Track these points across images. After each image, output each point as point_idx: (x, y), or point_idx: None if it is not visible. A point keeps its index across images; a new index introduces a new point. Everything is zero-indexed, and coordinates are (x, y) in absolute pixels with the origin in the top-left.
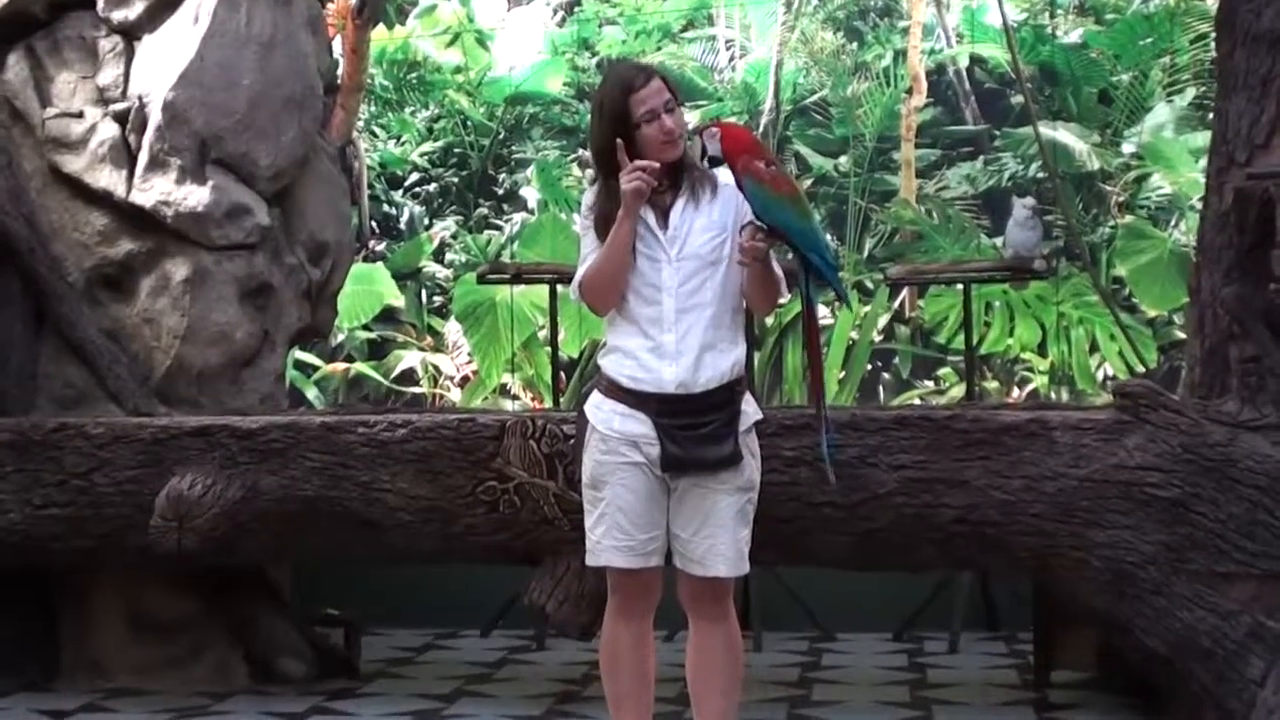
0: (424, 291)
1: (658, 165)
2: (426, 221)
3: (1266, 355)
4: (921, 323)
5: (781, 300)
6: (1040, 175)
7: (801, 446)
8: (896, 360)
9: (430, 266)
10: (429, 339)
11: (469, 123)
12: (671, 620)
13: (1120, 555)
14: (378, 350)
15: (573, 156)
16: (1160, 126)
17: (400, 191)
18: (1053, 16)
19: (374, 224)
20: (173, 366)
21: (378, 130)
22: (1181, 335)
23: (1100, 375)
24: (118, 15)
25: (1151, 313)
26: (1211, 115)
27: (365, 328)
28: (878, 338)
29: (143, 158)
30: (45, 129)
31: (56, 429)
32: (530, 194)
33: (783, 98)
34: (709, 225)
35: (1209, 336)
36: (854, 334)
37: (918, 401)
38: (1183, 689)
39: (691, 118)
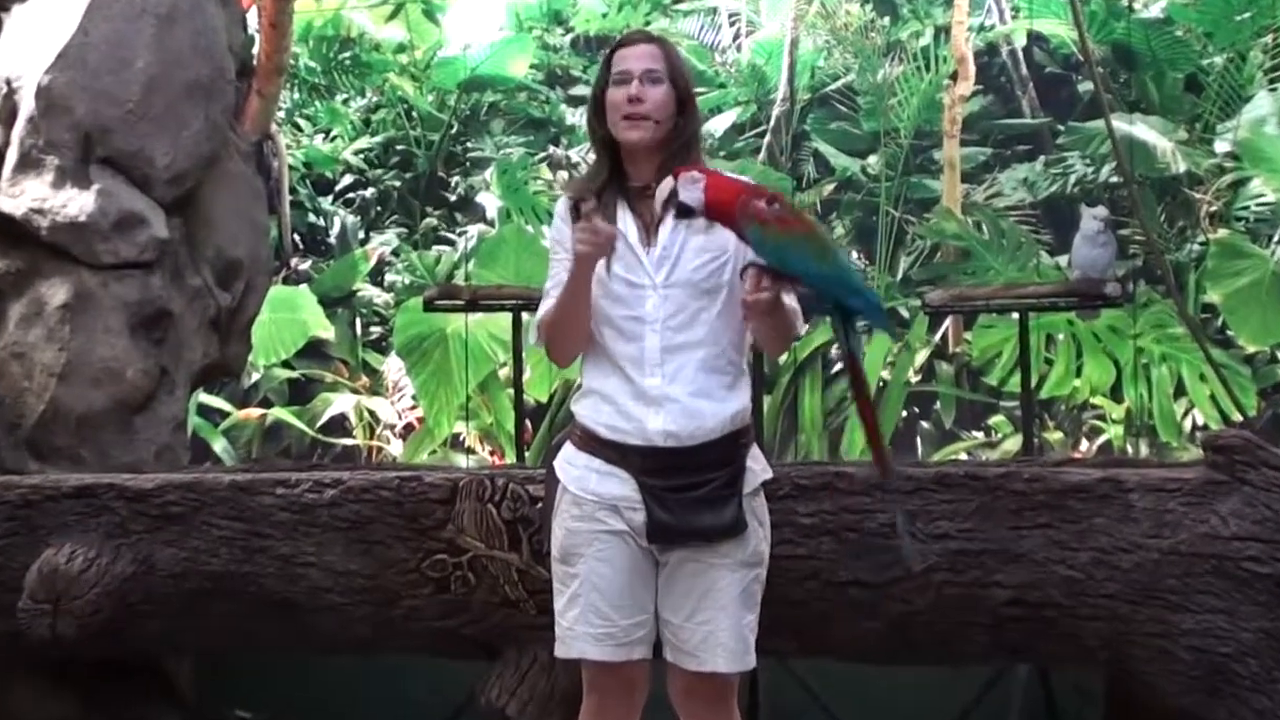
0: (358, 320)
1: (614, 233)
2: (362, 235)
3: None
4: (968, 359)
5: (797, 336)
6: (1114, 180)
7: (821, 511)
8: (938, 405)
9: (366, 290)
10: (364, 379)
11: (414, 113)
12: None
13: (1213, 645)
14: (301, 392)
15: (542, 155)
16: (1261, 121)
17: (330, 198)
18: None
19: (297, 237)
20: (48, 412)
21: (302, 122)
22: None
23: (1188, 424)
24: None
25: (1250, 348)
26: None
27: (286, 365)
28: (914, 377)
29: (11, 155)
30: None
31: None
32: (489, 201)
33: (798, 84)
34: (706, 246)
35: None
36: (885, 373)
37: (964, 456)
38: None
39: None
